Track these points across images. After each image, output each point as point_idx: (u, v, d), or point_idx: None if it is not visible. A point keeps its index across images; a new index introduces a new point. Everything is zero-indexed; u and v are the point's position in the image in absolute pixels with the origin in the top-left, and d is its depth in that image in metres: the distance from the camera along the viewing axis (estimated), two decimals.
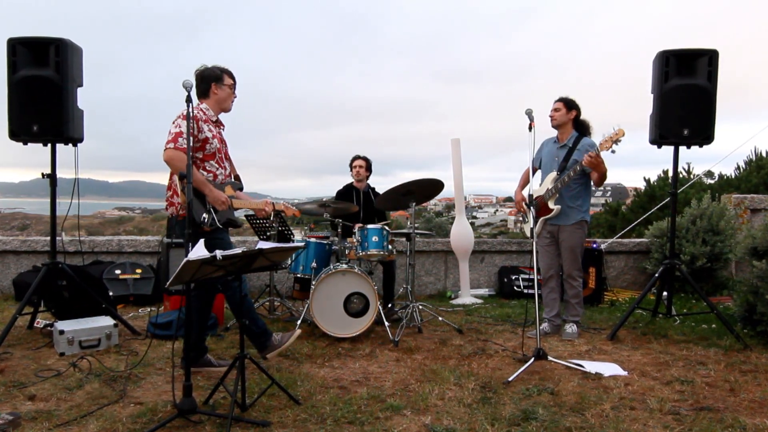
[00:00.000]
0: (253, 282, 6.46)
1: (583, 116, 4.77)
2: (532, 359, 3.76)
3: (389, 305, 5.38)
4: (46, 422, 2.87)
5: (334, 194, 5.96)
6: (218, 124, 3.81)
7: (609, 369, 3.79)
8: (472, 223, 8.81)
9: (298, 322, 4.65)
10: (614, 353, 4.23)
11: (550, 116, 4.77)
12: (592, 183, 4.73)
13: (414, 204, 4.98)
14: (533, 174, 4.91)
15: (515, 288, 6.61)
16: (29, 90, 4.16)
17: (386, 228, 4.93)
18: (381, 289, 5.42)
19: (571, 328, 4.71)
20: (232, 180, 3.89)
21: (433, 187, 5.03)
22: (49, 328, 4.40)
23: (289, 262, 5.18)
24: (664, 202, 8.02)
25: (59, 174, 4.36)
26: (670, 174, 5.34)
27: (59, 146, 4.33)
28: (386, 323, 4.61)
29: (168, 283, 2.73)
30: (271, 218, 5.37)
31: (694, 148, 4.69)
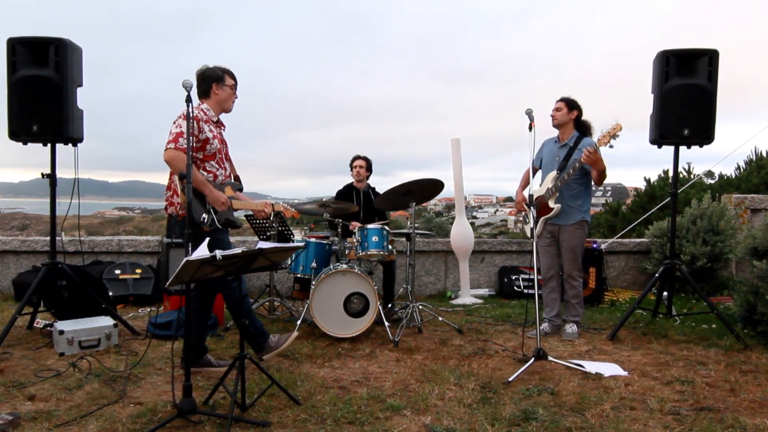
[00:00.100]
0: (253, 282, 6.45)
1: (584, 117, 4.77)
2: (532, 359, 3.75)
3: (389, 305, 5.37)
4: (45, 422, 2.87)
5: (334, 194, 5.96)
6: (219, 124, 3.81)
7: (609, 369, 3.78)
8: (472, 223, 8.81)
9: (298, 322, 4.64)
10: (614, 353, 4.23)
11: (551, 116, 4.77)
12: (593, 183, 4.73)
13: (414, 204, 4.98)
14: (534, 174, 4.91)
15: (515, 288, 6.61)
16: (29, 90, 4.15)
17: (386, 228, 4.93)
18: (381, 289, 5.42)
19: (571, 328, 4.70)
20: (232, 181, 3.89)
21: (433, 187, 5.03)
22: (48, 328, 4.40)
23: (289, 262, 5.18)
24: (664, 202, 8.02)
25: (59, 174, 4.36)
26: (671, 174, 5.33)
27: (59, 146, 4.33)
28: (386, 323, 4.61)
29: (168, 283, 2.73)
30: (271, 218, 5.37)
31: (695, 148, 4.68)
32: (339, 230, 5.04)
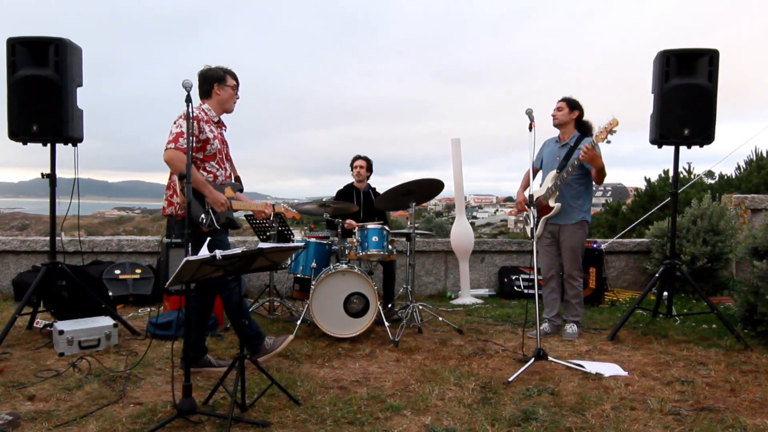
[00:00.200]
0: (253, 282, 6.45)
1: (585, 117, 4.76)
2: (533, 359, 3.75)
3: (389, 305, 5.37)
4: (45, 422, 2.86)
5: (334, 194, 5.96)
6: (220, 124, 3.81)
7: (609, 369, 3.78)
8: (472, 223, 8.81)
9: (298, 322, 4.64)
10: (614, 353, 4.23)
11: (552, 115, 4.76)
12: (593, 182, 4.73)
13: (414, 204, 4.97)
14: (535, 174, 4.91)
15: (515, 288, 6.60)
16: (29, 90, 4.15)
17: (386, 228, 4.93)
18: (381, 289, 5.42)
19: (571, 328, 4.70)
20: (233, 181, 3.88)
21: (433, 187, 5.03)
22: (48, 328, 4.39)
23: (289, 262, 5.18)
24: (664, 202, 8.01)
25: (59, 174, 4.36)
26: (671, 174, 5.33)
27: (59, 146, 4.32)
28: (386, 323, 4.60)
29: (168, 283, 2.72)
30: (271, 219, 5.37)
31: (695, 148, 4.68)
32: (339, 230, 5.04)
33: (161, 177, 3.90)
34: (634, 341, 4.53)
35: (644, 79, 4.85)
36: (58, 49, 4.16)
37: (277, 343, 3.81)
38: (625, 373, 3.72)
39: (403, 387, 3.46)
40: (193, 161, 3.25)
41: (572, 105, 4.71)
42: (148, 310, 5.52)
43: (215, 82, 3.71)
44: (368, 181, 5.96)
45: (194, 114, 3.40)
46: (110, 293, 5.04)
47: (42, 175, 4.30)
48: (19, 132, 4.19)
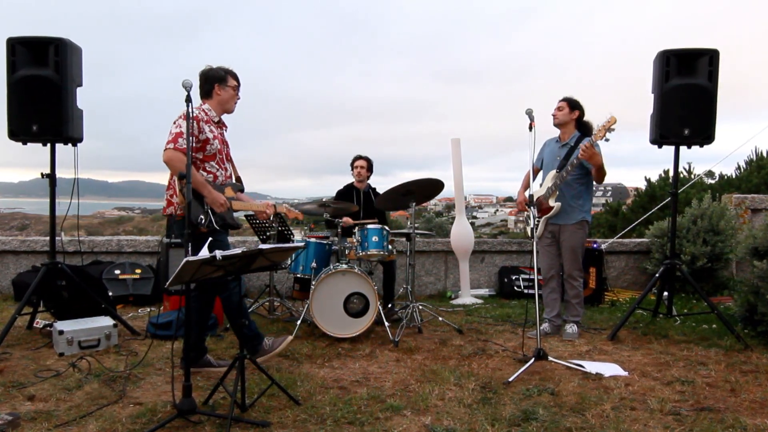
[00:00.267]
0: (253, 282, 6.45)
1: (586, 117, 4.76)
2: (533, 359, 3.75)
3: (389, 305, 5.37)
4: (45, 423, 2.86)
5: (334, 194, 5.95)
6: (220, 125, 3.80)
7: (609, 369, 3.78)
8: (472, 223, 8.80)
9: (298, 322, 4.64)
10: (615, 353, 4.22)
11: (553, 115, 4.76)
12: (593, 182, 4.73)
13: (414, 204, 4.97)
14: (536, 174, 4.91)
15: (515, 288, 6.60)
16: (28, 90, 4.15)
17: (386, 228, 4.93)
18: (381, 289, 5.42)
19: (571, 328, 4.70)
20: (233, 181, 3.87)
21: (433, 187, 5.02)
22: (48, 328, 4.39)
23: (289, 262, 5.17)
24: (664, 202, 8.01)
25: (59, 174, 4.36)
26: (671, 174, 5.33)
27: (59, 146, 4.32)
28: (386, 323, 4.60)
29: (168, 283, 2.72)
30: (271, 219, 5.36)
31: (695, 148, 4.68)
32: (339, 230, 5.04)
33: (161, 177, 3.89)
34: (635, 341, 4.53)
35: (644, 79, 4.84)
36: (58, 49, 4.16)
37: (276, 343, 3.80)
38: (625, 373, 3.72)
39: (403, 387, 3.46)
40: (192, 161, 3.24)
41: (573, 105, 4.71)
42: (148, 310, 5.52)
43: (216, 83, 3.71)
44: (368, 182, 5.96)
45: (194, 114, 3.40)
46: (110, 293, 5.04)
47: (42, 175, 4.30)
48: (19, 132, 4.18)
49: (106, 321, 4.29)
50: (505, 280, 6.68)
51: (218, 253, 2.64)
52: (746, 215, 7.06)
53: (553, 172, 4.68)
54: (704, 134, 4.51)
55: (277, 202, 4.11)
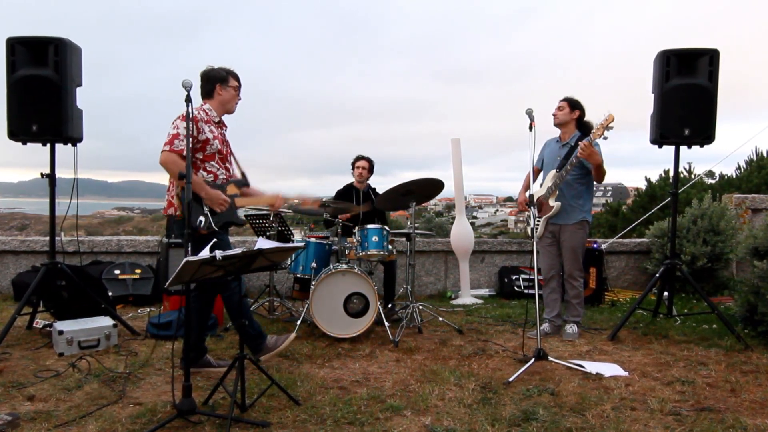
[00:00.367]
0: (252, 282, 6.45)
1: (587, 118, 4.76)
2: (533, 360, 3.75)
3: (389, 305, 5.37)
4: (45, 423, 2.86)
5: (333, 194, 5.95)
6: (221, 125, 3.80)
7: (610, 369, 3.78)
8: (472, 223, 8.80)
9: (298, 322, 4.64)
10: (615, 354, 4.22)
11: (553, 114, 4.76)
12: (594, 182, 4.73)
13: (414, 204, 4.97)
14: (536, 174, 4.91)
15: (515, 288, 6.60)
16: (28, 90, 4.14)
17: (386, 228, 4.92)
18: (381, 289, 5.42)
19: (571, 328, 4.70)
20: (237, 178, 3.85)
21: (434, 186, 5.02)
22: (48, 328, 4.39)
23: (288, 262, 5.17)
24: (664, 202, 8.01)
25: (58, 174, 4.35)
26: (671, 174, 5.32)
27: (58, 146, 4.32)
28: (386, 323, 4.60)
29: (168, 283, 2.72)
30: (271, 218, 5.36)
31: (695, 148, 4.68)
32: (339, 230, 5.03)
33: (161, 177, 3.89)
34: (635, 341, 4.53)
35: (644, 79, 4.83)
36: (57, 49, 4.16)
37: (279, 341, 3.81)
38: (625, 374, 3.72)
39: (403, 387, 3.46)
40: (192, 162, 3.24)
41: (573, 105, 4.71)
42: (148, 310, 5.52)
43: (217, 83, 3.70)
44: (368, 182, 5.96)
45: (193, 114, 3.39)
46: (110, 293, 5.04)
47: (41, 175, 4.29)
48: (18, 132, 4.18)
49: (106, 321, 4.29)
50: (505, 280, 6.67)
51: (218, 253, 2.64)
52: (746, 215, 7.06)
53: (553, 171, 4.67)
54: (704, 134, 4.51)
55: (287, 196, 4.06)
